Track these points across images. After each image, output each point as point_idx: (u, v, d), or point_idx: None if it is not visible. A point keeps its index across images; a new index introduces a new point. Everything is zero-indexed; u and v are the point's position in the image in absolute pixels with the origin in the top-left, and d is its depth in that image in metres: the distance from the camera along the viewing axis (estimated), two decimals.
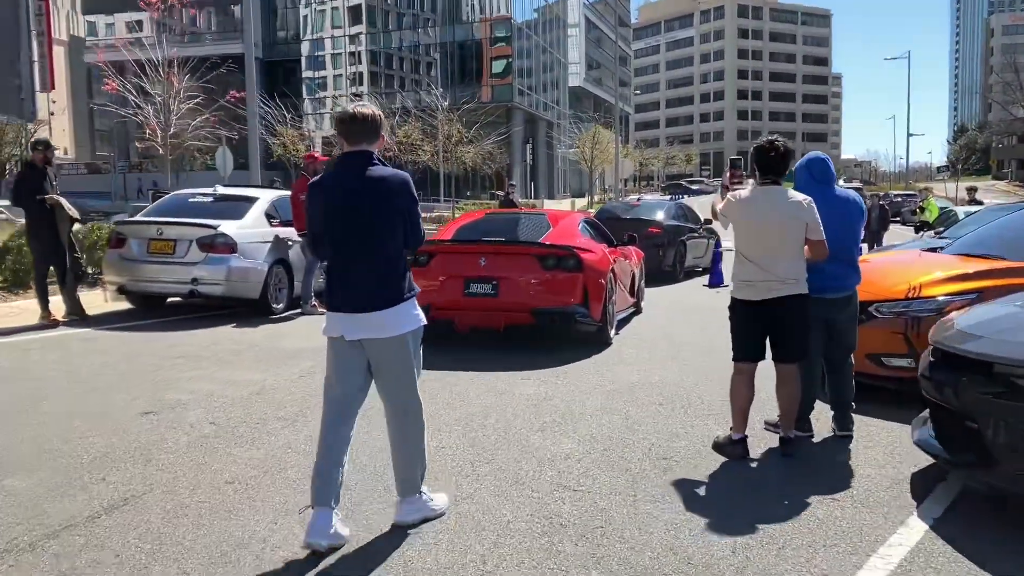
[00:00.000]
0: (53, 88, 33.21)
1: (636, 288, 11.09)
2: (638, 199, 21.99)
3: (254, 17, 65.16)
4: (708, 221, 18.77)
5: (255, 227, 10.85)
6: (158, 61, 23.28)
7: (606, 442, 5.59)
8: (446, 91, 48.01)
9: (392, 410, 4.27)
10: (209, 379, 7.39)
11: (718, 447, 5.49)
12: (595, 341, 8.85)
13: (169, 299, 11.33)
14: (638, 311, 11.51)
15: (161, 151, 22.60)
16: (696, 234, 17.80)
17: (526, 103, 66.58)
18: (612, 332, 9.10)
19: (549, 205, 56.48)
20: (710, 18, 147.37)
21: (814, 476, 5.07)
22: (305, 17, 69.50)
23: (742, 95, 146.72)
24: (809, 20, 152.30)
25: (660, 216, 17.15)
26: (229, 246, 10.34)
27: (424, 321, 4.24)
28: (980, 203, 20.96)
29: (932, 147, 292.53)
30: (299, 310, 11.18)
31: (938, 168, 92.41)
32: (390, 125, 38.66)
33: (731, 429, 5.46)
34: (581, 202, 53.85)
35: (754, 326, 5.31)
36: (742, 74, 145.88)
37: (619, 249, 10.41)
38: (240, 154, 46.25)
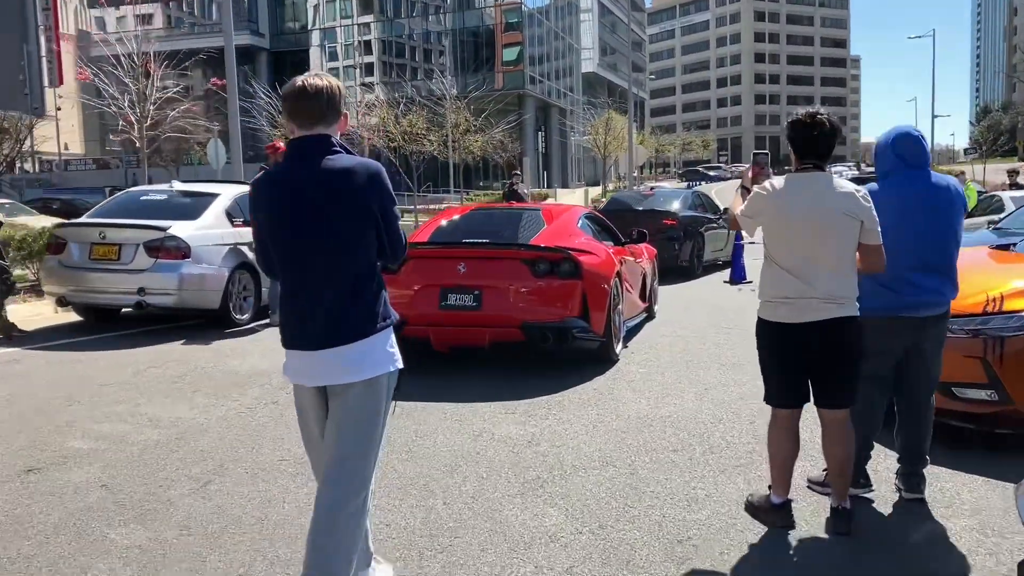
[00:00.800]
0: (61, 83, 32.20)
1: (648, 291, 9.74)
2: (651, 188, 20.53)
3: (263, 7, 63.72)
4: (727, 210, 17.37)
5: (214, 227, 9.57)
6: (147, 54, 22.11)
7: (603, 514, 4.26)
8: (456, 79, 46.67)
9: (333, 474, 3.14)
10: (128, 416, 6.11)
11: (753, 510, 4.20)
12: (597, 359, 7.51)
13: (124, 310, 10.08)
14: (650, 316, 10.16)
15: (138, 143, 21.38)
16: (715, 225, 16.38)
17: (538, 90, 65.09)
18: (618, 347, 7.75)
19: (563, 195, 55.07)
20: (726, 1, 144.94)
21: (884, 563, 3.73)
22: (315, 6, 68.23)
23: (759, 79, 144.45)
24: (827, 1, 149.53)
25: (675, 206, 15.76)
26: (181, 250, 9.06)
27: (401, 364, 3.27)
28: (1022, 187, 19.45)
29: (953, 128, 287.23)
30: (267, 320, 9.91)
31: (964, 150, 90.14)
32: (395, 115, 37.36)
33: (770, 489, 4.14)
34: (595, 191, 52.40)
35: (792, 359, 3.95)
36: (759, 58, 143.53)
37: (627, 247, 9.06)
38: (256, 147, 45.28)
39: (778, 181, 3.95)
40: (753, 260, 15.09)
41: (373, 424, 3.16)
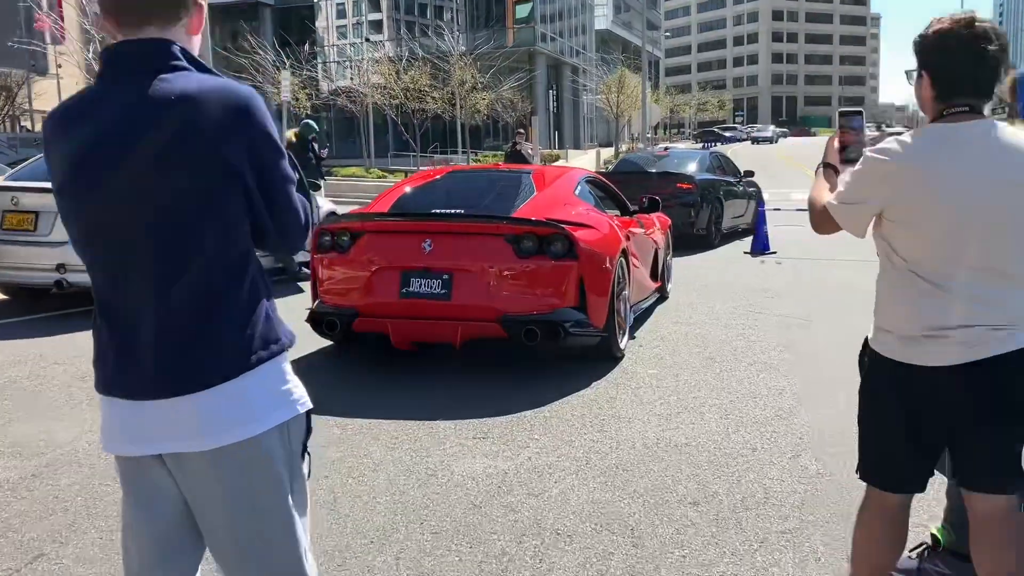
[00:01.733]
0: (63, 41, 30.79)
1: (660, 268, 8.30)
2: (665, 148, 18.90)
3: None
4: (749, 173, 15.82)
5: None
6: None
7: None
8: (466, 37, 44.84)
9: None
10: None
11: None
12: (597, 356, 6.11)
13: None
14: (663, 297, 8.73)
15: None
16: (735, 189, 14.86)
17: (549, 48, 63.02)
18: (623, 341, 6.34)
19: (574, 155, 53.34)
20: None
21: None
22: None
23: (777, 38, 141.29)
24: None
25: (692, 168, 14.20)
26: None
27: (307, 403, 2.00)
28: None
29: None
30: None
31: (992, 109, 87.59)
32: (396, 70, 35.68)
33: None
34: (607, 152, 50.64)
35: (929, 419, 2.44)
36: (776, 15, 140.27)
37: (636, 218, 7.61)
38: None
39: (909, 138, 2.43)
40: (775, 227, 13.61)
41: (278, 505, 1.91)
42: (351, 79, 40.53)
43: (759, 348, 6.65)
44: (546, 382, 5.70)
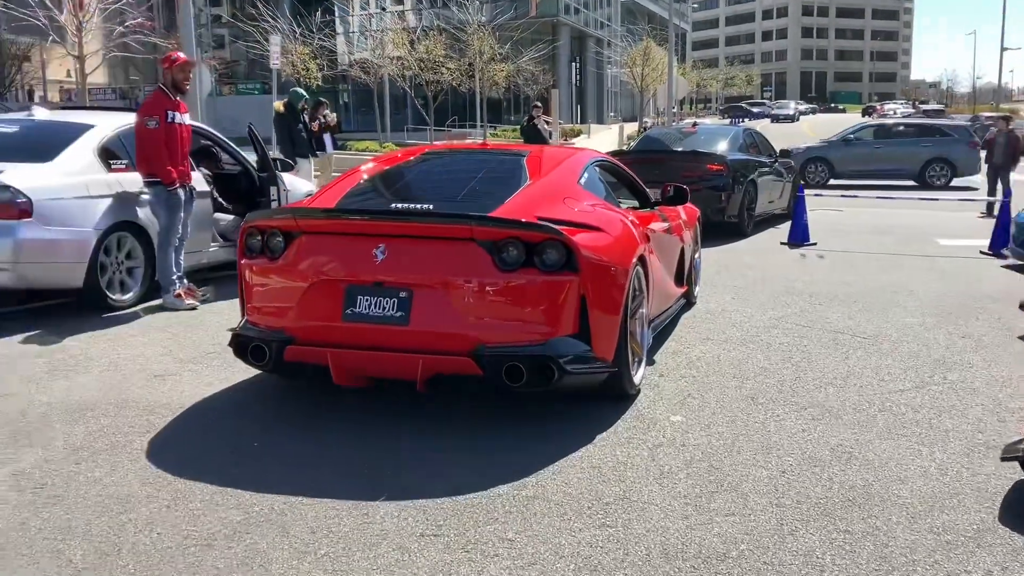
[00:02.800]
0: (82, 8, 29.90)
1: (686, 270, 6.87)
2: (694, 123, 17.28)
3: None
4: (785, 152, 14.28)
5: (77, 173, 6.81)
6: None
7: None
8: (488, 7, 43.07)
9: None
10: None
11: None
12: (603, 392, 4.72)
13: None
14: (689, 304, 7.32)
15: (72, 67, 18.56)
16: (769, 170, 13.35)
17: (573, 19, 61.05)
18: (638, 373, 4.93)
19: (596, 130, 51.62)
20: None
21: None
22: None
23: (807, 11, 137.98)
24: None
25: (723, 147, 12.72)
26: (16, 206, 6.32)
27: None
28: None
29: (1012, 65, 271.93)
30: (159, 300, 7.20)
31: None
32: (410, 40, 34.10)
33: None
34: (631, 127, 48.87)
35: None
36: None
37: (657, 211, 6.19)
38: (261, 75, 42.15)
39: None
40: (813, 212, 12.09)
41: None
42: (371, 50, 38.88)
43: (812, 381, 5.23)
44: (532, 434, 4.31)
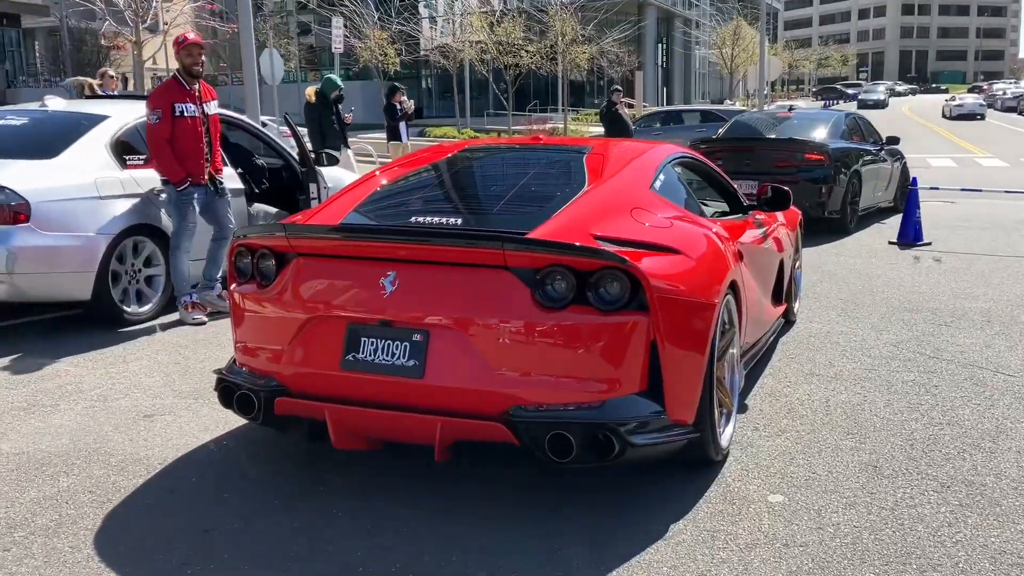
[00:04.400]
0: None
1: (785, 285, 5.75)
2: (790, 108, 15.81)
3: None
4: (893, 140, 12.83)
5: (85, 171, 6.05)
6: None
7: None
8: None
9: None
10: None
11: None
12: (678, 461, 3.67)
13: None
14: (788, 324, 6.19)
15: (132, 51, 18.12)
16: (875, 158, 11.95)
17: None
18: (726, 431, 3.86)
19: None
20: None
21: None
22: None
23: None
24: None
25: (822, 133, 11.36)
26: (11, 208, 5.59)
27: None
28: None
29: None
30: (176, 315, 6.42)
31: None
32: (489, 23, 33.10)
33: None
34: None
35: None
36: None
37: (751, 217, 5.08)
38: (345, 61, 41.74)
39: None
40: (926, 204, 10.68)
41: None
42: (452, 34, 38.07)
43: (951, 442, 4.08)
44: (574, 522, 3.30)
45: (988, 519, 3.31)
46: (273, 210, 7.83)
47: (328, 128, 12.21)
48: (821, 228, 10.43)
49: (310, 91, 12.63)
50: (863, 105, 59.23)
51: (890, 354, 5.54)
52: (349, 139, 12.99)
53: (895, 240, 10.22)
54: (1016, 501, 3.46)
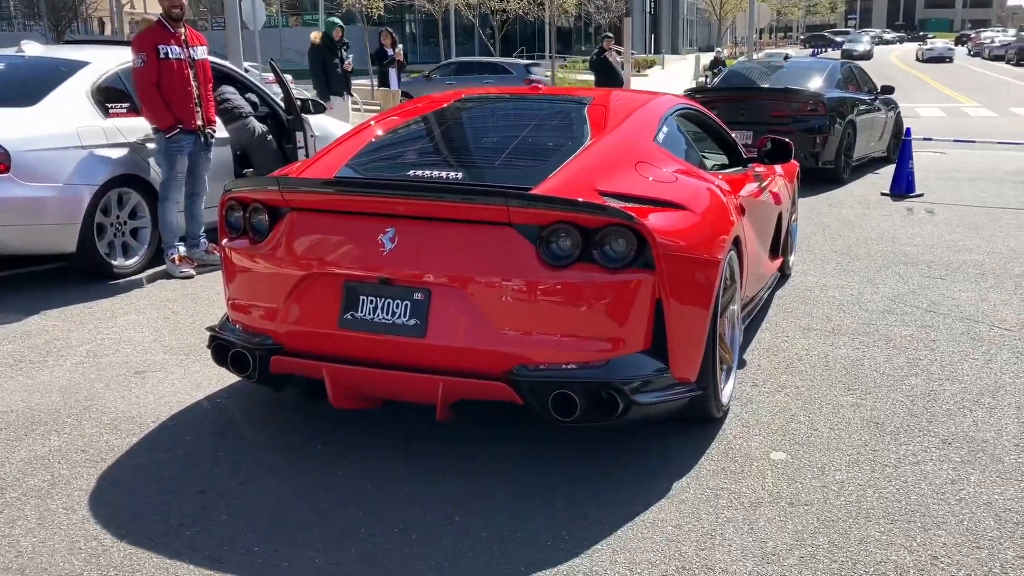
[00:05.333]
0: None
1: (782, 239, 5.69)
2: (785, 56, 15.59)
3: None
4: (887, 89, 12.71)
5: (66, 119, 5.89)
6: None
7: None
8: None
9: None
10: None
11: None
12: (679, 418, 3.63)
13: None
14: (784, 277, 6.15)
15: None
16: (869, 108, 11.85)
17: None
18: (727, 387, 3.83)
19: (671, 61, 49.43)
20: None
21: None
22: None
23: None
24: None
25: (818, 83, 11.26)
26: None
27: None
28: None
29: None
30: (163, 266, 6.32)
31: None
32: None
33: None
34: (708, 57, 46.52)
35: None
36: None
37: (751, 170, 4.99)
38: (329, 7, 40.99)
39: None
40: (917, 155, 10.61)
41: None
42: None
43: (951, 398, 4.07)
44: (579, 478, 3.27)
45: (991, 476, 3.30)
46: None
47: (332, 72, 11.95)
48: (814, 179, 10.36)
49: (315, 34, 12.36)
50: (847, 55, 58.44)
51: (887, 308, 5.51)
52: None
53: (888, 191, 10.17)
54: (1018, 458, 3.45)
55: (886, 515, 3.02)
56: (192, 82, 6.07)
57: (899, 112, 13.37)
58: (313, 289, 3.32)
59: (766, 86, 11.43)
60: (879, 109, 12.19)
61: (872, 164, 12.27)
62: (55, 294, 5.76)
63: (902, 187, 10.07)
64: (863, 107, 11.52)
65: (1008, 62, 49.96)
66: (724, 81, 12.49)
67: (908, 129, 10.77)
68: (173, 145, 5.99)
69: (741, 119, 9.99)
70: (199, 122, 6.13)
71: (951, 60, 53.23)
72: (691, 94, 11.04)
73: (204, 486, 3.24)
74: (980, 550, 2.81)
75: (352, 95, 12.41)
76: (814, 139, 10.26)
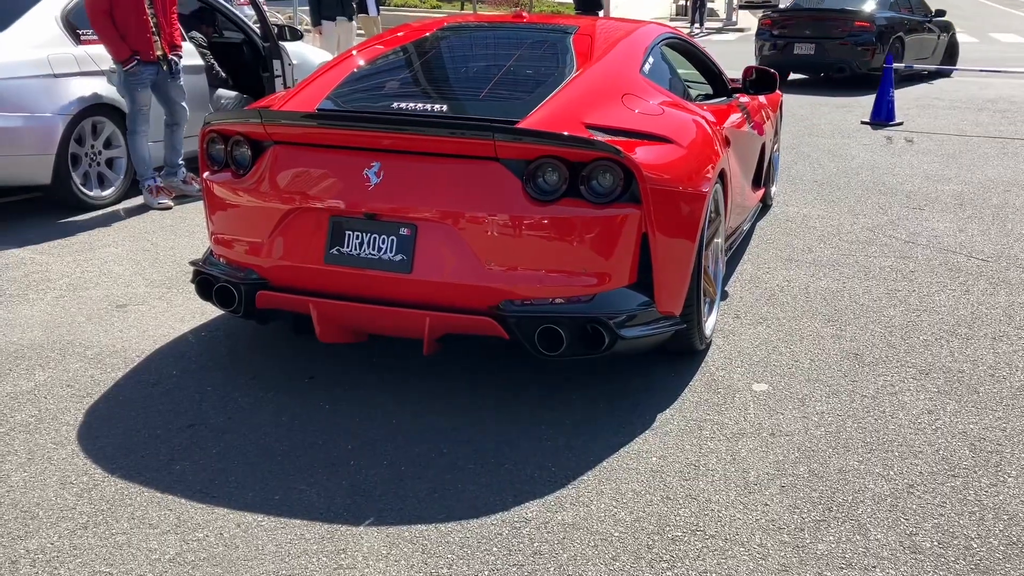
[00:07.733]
0: None
1: (765, 169, 5.69)
2: None
3: None
4: (940, 12, 14.35)
5: (37, 46, 5.73)
6: None
7: None
8: None
9: None
10: None
11: None
12: (662, 350, 3.68)
13: None
14: (766, 208, 6.18)
15: None
16: (918, 28, 13.76)
17: None
18: (710, 319, 3.88)
19: None
20: None
21: None
22: None
23: None
24: None
25: (872, 6, 13.07)
26: None
27: None
28: None
29: None
30: (140, 199, 6.24)
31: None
32: None
33: None
34: None
35: None
36: None
37: (735, 101, 4.96)
38: None
39: None
40: (900, 90, 10.65)
41: None
42: None
43: (929, 328, 4.14)
44: (563, 410, 3.32)
45: (966, 406, 3.38)
46: (232, 93, 7.51)
47: None
48: (796, 107, 10.31)
49: None
50: None
51: (866, 239, 5.56)
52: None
53: (868, 120, 10.16)
54: (992, 388, 3.54)
55: (864, 445, 3.09)
56: (148, 9, 5.86)
57: (954, 34, 14.88)
58: (298, 224, 3.30)
59: (827, 7, 13.31)
60: (931, 30, 13.96)
61: (919, 78, 13.85)
62: (32, 227, 5.69)
63: (882, 115, 10.07)
64: (910, 26, 13.32)
65: None
66: (793, 3, 14.38)
67: (889, 56, 10.71)
68: (132, 78, 5.82)
69: (806, 34, 12.71)
70: (158, 52, 5.95)
71: None
72: (767, 13, 13.97)
73: (192, 420, 3.26)
74: (955, 478, 2.89)
75: (353, 20, 11.78)
76: (865, 51, 12.54)
